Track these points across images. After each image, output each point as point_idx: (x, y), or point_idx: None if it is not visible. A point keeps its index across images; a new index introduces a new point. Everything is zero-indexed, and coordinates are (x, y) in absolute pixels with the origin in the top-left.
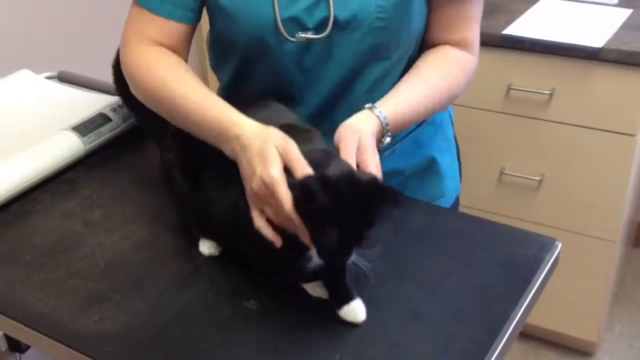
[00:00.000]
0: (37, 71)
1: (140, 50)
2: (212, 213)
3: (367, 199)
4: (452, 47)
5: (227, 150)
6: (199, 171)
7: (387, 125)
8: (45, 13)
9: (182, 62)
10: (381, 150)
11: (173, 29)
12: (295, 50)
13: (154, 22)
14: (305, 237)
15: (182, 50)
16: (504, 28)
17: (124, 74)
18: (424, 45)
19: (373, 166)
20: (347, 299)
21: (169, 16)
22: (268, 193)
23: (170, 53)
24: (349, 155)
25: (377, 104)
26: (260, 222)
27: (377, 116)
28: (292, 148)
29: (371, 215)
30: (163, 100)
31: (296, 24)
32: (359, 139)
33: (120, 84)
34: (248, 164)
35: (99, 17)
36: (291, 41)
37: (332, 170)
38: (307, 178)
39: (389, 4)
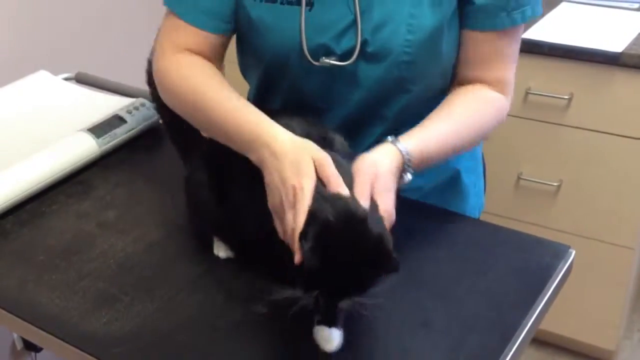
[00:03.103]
0: (55, 72)
1: (174, 59)
2: (238, 225)
3: (364, 259)
4: (485, 86)
5: (254, 157)
6: (227, 188)
7: (409, 160)
8: (63, 15)
9: (216, 70)
10: (402, 188)
11: (207, 39)
12: (319, 73)
13: (188, 31)
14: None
15: (216, 59)
16: (523, 32)
17: (156, 82)
18: (457, 81)
19: (383, 208)
20: (328, 321)
21: (203, 27)
22: (292, 203)
23: (204, 61)
24: (361, 194)
25: (400, 138)
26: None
27: (400, 150)
28: (328, 162)
29: (365, 277)
30: (195, 106)
31: (323, 49)
32: (374, 175)
33: (156, 93)
34: (278, 171)
35: (117, 20)
36: (315, 65)
37: (337, 216)
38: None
39: (418, 39)
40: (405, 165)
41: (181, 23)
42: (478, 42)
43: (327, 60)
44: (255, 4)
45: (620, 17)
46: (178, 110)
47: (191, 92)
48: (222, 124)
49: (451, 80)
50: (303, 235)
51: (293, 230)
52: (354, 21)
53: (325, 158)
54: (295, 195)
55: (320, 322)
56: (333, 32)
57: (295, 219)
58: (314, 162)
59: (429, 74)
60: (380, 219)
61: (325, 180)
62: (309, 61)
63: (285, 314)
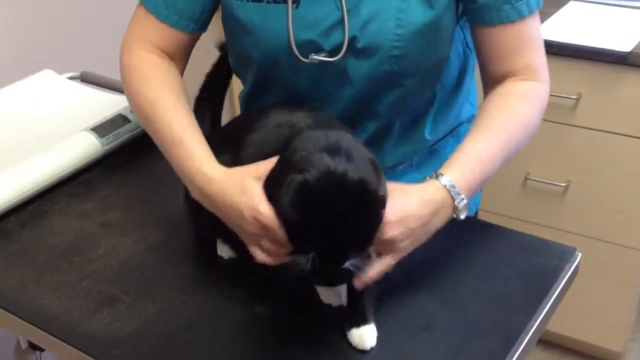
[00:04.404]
0: (60, 71)
1: (140, 57)
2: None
3: (352, 208)
4: (516, 80)
5: (194, 194)
6: None
7: (453, 187)
8: (68, 14)
9: (178, 81)
10: (462, 217)
11: (176, 37)
12: (309, 70)
13: (158, 28)
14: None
15: (181, 58)
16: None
17: (121, 74)
18: (487, 79)
19: (383, 235)
20: (358, 321)
21: (174, 25)
22: (265, 232)
23: (168, 68)
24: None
25: (443, 169)
26: (262, 257)
27: (440, 181)
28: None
29: (357, 229)
30: (147, 119)
31: (312, 46)
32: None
33: None
34: (230, 212)
35: (122, 19)
36: (304, 62)
37: (315, 172)
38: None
39: (408, 33)
40: (454, 197)
41: (152, 18)
42: (492, 37)
43: (316, 57)
44: (242, 4)
45: (628, 16)
46: (138, 119)
47: (146, 103)
48: (167, 152)
49: (483, 80)
50: (283, 195)
51: (279, 248)
52: (342, 17)
53: (259, 168)
54: (260, 223)
55: (351, 325)
56: (321, 28)
57: (276, 240)
58: (256, 179)
59: (422, 69)
60: (367, 163)
61: None
62: (298, 58)
63: (286, 315)
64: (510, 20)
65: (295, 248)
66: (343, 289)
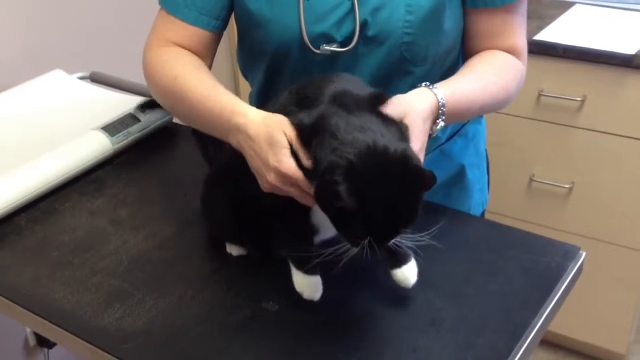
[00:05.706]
0: (70, 72)
1: (160, 51)
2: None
3: (397, 183)
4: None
5: (234, 143)
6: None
7: (443, 106)
8: (79, 14)
9: (199, 61)
10: (434, 135)
11: (197, 35)
12: (321, 63)
13: (179, 27)
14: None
15: (206, 56)
16: (536, 34)
17: (144, 74)
18: (469, 56)
19: (414, 149)
20: (400, 263)
21: (195, 23)
22: (289, 183)
23: (189, 53)
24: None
25: (438, 85)
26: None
27: (435, 95)
28: (295, 137)
29: (405, 202)
30: (172, 95)
31: (324, 38)
32: (404, 113)
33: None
34: (258, 155)
35: (132, 19)
36: (316, 54)
37: (360, 149)
38: (329, 173)
39: (418, 19)
40: (439, 111)
41: (172, 19)
42: (484, 18)
43: (328, 48)
44: None
45: (634, 19)
46: (159, 99)
47: (169, 80)
48: (199, 112)
49: (464, 57)
50: (334, 183)
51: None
52: (352, 7)
53: (291, 130)
54: (281, 175)
55: (394, 266)
56: (332, 20)
57: (301, 191)
58: (285, 134)
59: (431, 55)
60: (402, 137)
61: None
62: (311, 50)
63: (295, 311)
64: (511, 2)
65: (347, 235)
66: (319, 281)
